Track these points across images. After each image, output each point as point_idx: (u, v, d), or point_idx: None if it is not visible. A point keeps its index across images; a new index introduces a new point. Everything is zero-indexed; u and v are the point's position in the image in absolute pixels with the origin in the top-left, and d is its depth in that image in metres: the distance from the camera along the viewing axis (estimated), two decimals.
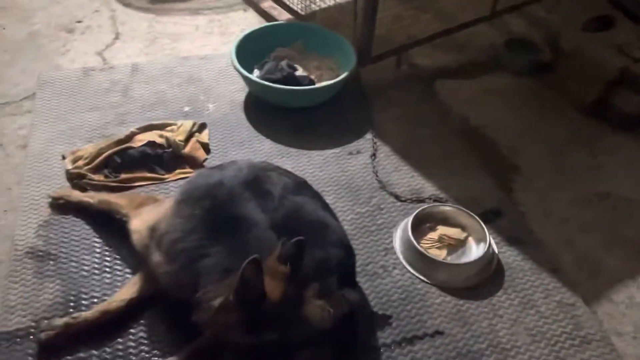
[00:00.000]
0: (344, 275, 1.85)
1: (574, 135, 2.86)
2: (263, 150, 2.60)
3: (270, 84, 2.68)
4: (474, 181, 2.52)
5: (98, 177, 2.38)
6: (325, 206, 2.05)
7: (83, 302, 1.95)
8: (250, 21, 3.49)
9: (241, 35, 2.94)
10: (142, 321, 1.90)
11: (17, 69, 2.98)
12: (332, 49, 3.00)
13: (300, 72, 2.93)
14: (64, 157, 2.46)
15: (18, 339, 1.83)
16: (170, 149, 2.50)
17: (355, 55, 2.84)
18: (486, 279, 2.11)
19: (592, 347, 1.92)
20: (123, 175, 2.40)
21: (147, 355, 1.82)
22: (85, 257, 2.09)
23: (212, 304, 1.56)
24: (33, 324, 1.87)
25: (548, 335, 1.95)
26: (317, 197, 2.06)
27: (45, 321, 1.85)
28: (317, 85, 2.80)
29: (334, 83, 2.72)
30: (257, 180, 1.95)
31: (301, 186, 2.04)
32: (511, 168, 2.65)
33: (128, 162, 2.44)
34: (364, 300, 2.00)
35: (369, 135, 2.72)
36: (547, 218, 2.41)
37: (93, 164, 2.41)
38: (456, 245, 2.22)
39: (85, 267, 2.05)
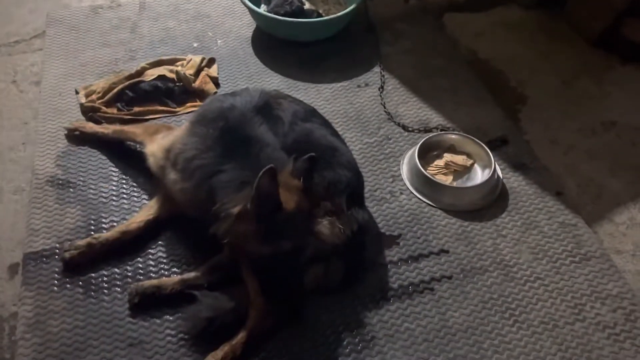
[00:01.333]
0: (353, 196, 1.92)
1: (582, 67, 2.85)
2: (272, 84, 2.63)
3: (278, 17, 2.69)
4: (482, 111, 2.55)
5: (111, 110, 2.43)
6: (334, 132, 2.10)
7: (103, 225, 2.04)
8: None
9: None
10: (160, 242, 1.99)
11: (25, 9, 3.00)
12: None
13: (307, 6, 2.93)
14: (77, 92, 2.51)
15: (44, 259, 1.93)
16: (181, 83, 2.53)
17: None
18: (491, 202, 2.17)
19: (591, 264, 1.99)
20: (136, 108, 2.45)
21: (166, 273, 1.92)
22: (103, 184, 2.17)
23: (230, 212, 1.63)
24: (57, 245, 1.97)
25: (550, 253, 2.03)
26: (326, 124, 2.11)
27: (69, 242, 1.95)
28: (325, 17, 2.79)
29: (342, 15, 2.72)
30: (268, 106, 1.99)
31: (311, 114, 2.09)
32: (519, 99, 2.67)
33: (140, 95, 2.48)
34: (372, 221, 2.07)
35: (376, 68, 2.73)
36: (552, 145, 2.45)
37: (106, 97, 2.46)
38: (462, 172, 2.28)
39: (104, 194, 2.14)
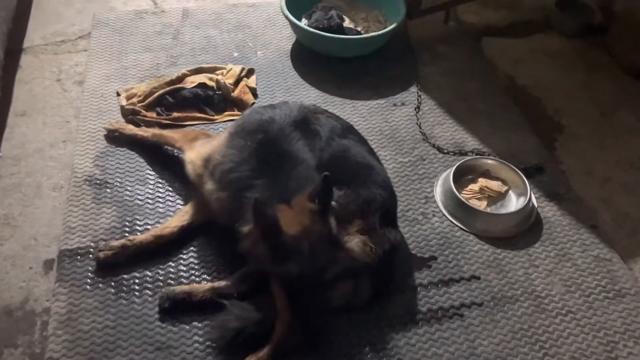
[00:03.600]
0: (386, 215, 1.93)
1: (622, 99, 2.82)
2: (309, 98, 2.65)
3: (319, 32, 2.71)
4: (517, 138, 2.53)
5: (151, 114, 2.47)
6: (371, 150, 2.11)
7: (137, 227, 2.07)
8: None
9: None
10: (192, 248, 2.01)
11: (73, 9, 3.07)
12: (380, 1, 3.00)
13: (347, 22, 2.95)
14: (118, 94, 2.56)
15: (79, 257, 1.96)
16: (220, 92, 2.57)
17: (404, 8, 2.84)
18: (524, 230, 2.15)
19: (626, 301, 1.96)
20: (175, 114, 2.49)
21: (197, 279, 1.93)
22: (139, 187, 2.20)
23: (242, 230, 1.67)
24: (92, 244, 2.00)
25: (583, 287, 2.00)
26: (362, 141, 2.12)
27: (104, 242, 1.98)
28: (366, 35, 2.81)
29: (382, 34, 2.74)
30: (306, 120, 2.01)
31: (348, 130, 2.10)
32: (555, 127, 2.65)
33: (180, 101, 2.52)
34: (404, 241, 2.07)
35: (413, 88, 2.74)
36: (588, 177, 2.42)
37: (146, 101, 2.50)
38: (496, 198, 2.26)
39: (140, 196, 2.17)
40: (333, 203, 1.79)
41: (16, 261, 1.98)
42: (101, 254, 1.91)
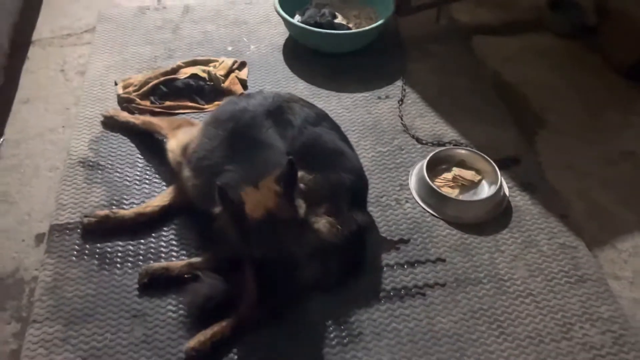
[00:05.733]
0: (355, 199, 2.02)
1: (609, 97, 2.85)
2: (296, 90, 2.75)
3: (309, 27, 2.83)
4: (497, 130, 2.59)
5: (145, 103, 2.61)
6: (343, 137, 2.21)
7: (124, 206, 2.20)
8: None
9: None
10: (173, 226, 2.14)
11: (80, 5, 3.25)
12: None
13: (339, 19, 3.06)
14: (116, 84, 2.71)
15: (67, 231, 2.10)
16: (212, 83, 2.70)
17: (393, 4, 2.93)
18: (494, 218, 2.22)
19: (586, 286, 2.01)
20: (167, 103, 2.63)
21: (175, 254, 2.06)
22: (129, 169, 2.34)
23: (213, 212, 1.77)
24: (80, 220, 2.13)
25: (546, 272, 2.05)
26: (335, 128, 2.22)
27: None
28: (353, 30, 2.91)
29: (369, 29, 2.84)
30: (280, 109, 2.12)
31: (321, 118, 2.20)
32: (538, 122, 2.70)
33: (173, 91, 2.66)
34: (373, 224, 2.15)
35: (399, 82, 2.83)
36: (566, 170, 2.46)
37: (141, 90, 2.64)
38: (469, 187, 2.33)
39: (128, 178, 2.31)
40: (301, 186, 1.89)
41: (10, 234, 2.13)
42: (85, 220, 2.07)
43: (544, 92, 2.87)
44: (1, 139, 2.46)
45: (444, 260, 2.08)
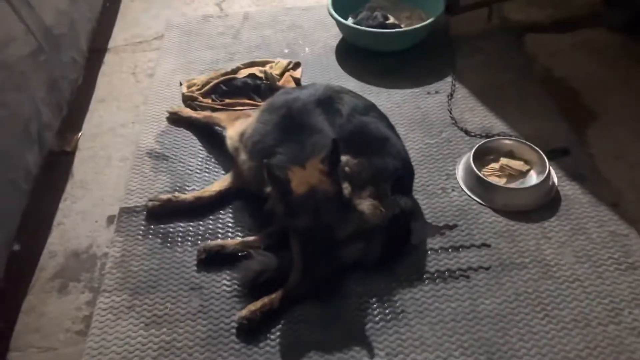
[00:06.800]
0: (399, 183, 2.09)
1: None
2: (347, 87, 2.83)
3: (359, 27, 2.95)
4: (547, 123, 2.60)
5: (206, 101, 2.81)
6: (390, 125, 2.29)
7: (186, 192, 2.37)
8: None
9: None
10: (229, 209, 2.29)
11: (150, 15, 3.53)
12: (423, 0, 3.18)
13: (391, 21, 3.16)
14: (181, 84, 2.93)
15: (135, 213, 2.30)
16: (267, 81, 2.86)
17: (443, 4, 3.00)
18: (541, 206, 2.22)
19: (638, 272, 1.98)
20: (227, 100, 2.81)
21: (230, 234, 2.20)
22: (191, 159, 2.52)
23: (265, 190, 1.91)
24: (146, 203, 2.33)
25: (594, 259, 2.04)
26: (383, 118, 2.31)
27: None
28: (402, 29, 3.01)
29: (419, 27, 2.93)
30: (330, 99, 2.24)
31: (369, 108, 2.30)
32: (589, 115, 2.68)
33: (232, 89, 2.84)
34: (418, 210, 2.21)
35: (449, 79, 2.88)
36: (617, 160, 2.43)
37: (203, 89, 2.84)
38: (517, 176, 2.35)
39: (190, 167, 2.49)
40: (346, 169, 2.00)
41: (86, 216, 2.35)
42: (150, 204, 2.26)
43: (595, 86, 2.84)
44: (80, 134, 2.71)
45: (489, 246, 2.11)
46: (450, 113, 2.68)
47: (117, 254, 2.16)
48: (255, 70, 2.93)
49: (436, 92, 2.82)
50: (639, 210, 2.22)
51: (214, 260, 2.09)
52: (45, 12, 2.57)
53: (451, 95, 2.78)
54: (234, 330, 1.89)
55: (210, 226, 2.24)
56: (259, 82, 2.86)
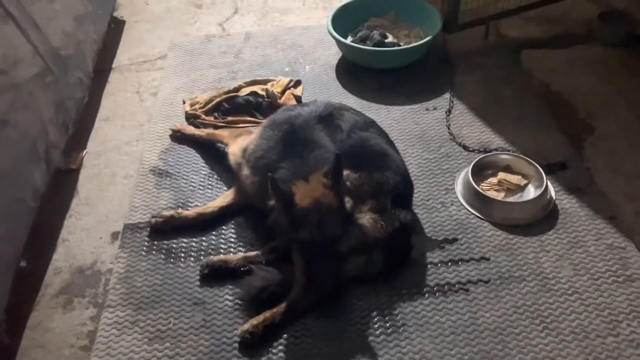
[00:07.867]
0: (399, 197, 2.13)
1: None
2: (347, 103, 2.88)
3: (358, 45, 3.01)
4: (545, 138, 2.64)
5: (209, 118, 2.86)
6: (389, 141, 2.34)
7: (189, 208, 2.41)
8: None
9: (339, 5, 3.29)
10: (232, 225, 2.32)
11: (155, 35, 3.60)
12: (422, 19, 3.25)
13: (390, 39, 3.22)
14: (184, 102, 2.98)
15: (138, 229, 2.34)
16: (269, 99, 2.92)
17: (440, 23, 3.06)
18: (539, 220, 2.25)
19: (635, 285, 2.00)
20: (229, 118, 2.86)
21: (232, 249, 2.24)
22: (194, 176, 2.57)
23: (269, 204, 1.94)
24: (149, 220, 2.36)
25: (592, 271, 2.06)
26: (382, 134, 2.35)
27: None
28: (402, 47, 3.06)
29: (417, 45, 2.98)
30: (331, 115, 2.29)
31: (369, 124, 2.35)
32: (586, 129, 2.72)
33: (234, 107, 2.90)
34: (417, 224, 2.24)
35: (447, 95, 2.93)
36: (615, 174, 2.47)
37: (206, 107, 2.90)
38: (515, 190, 2.38)
39: (193, 184, 2.53)
40: (347, 183, 2.04)
41: (90, 232, 2.39)
42: (153, 220, 2.29)
43: (592, 100, 2.88)
44: (85, 152, 2.76)
45: (488, 259, 2.13)
46: (449, 129, 2.72)
47: (121, 269, 2.19)
48: (257, 88, 2.99)
49: (434, 109, 2.86)
50: (636, 223, 2.24)
51: (216, 275, 2.12)
52: (53, 34, 2.63)
53: (449, 111, 2.83)
54: (236, 345, 1.91)
55: (213, 242, 2.27)
56: (260, 99, 2.92)
